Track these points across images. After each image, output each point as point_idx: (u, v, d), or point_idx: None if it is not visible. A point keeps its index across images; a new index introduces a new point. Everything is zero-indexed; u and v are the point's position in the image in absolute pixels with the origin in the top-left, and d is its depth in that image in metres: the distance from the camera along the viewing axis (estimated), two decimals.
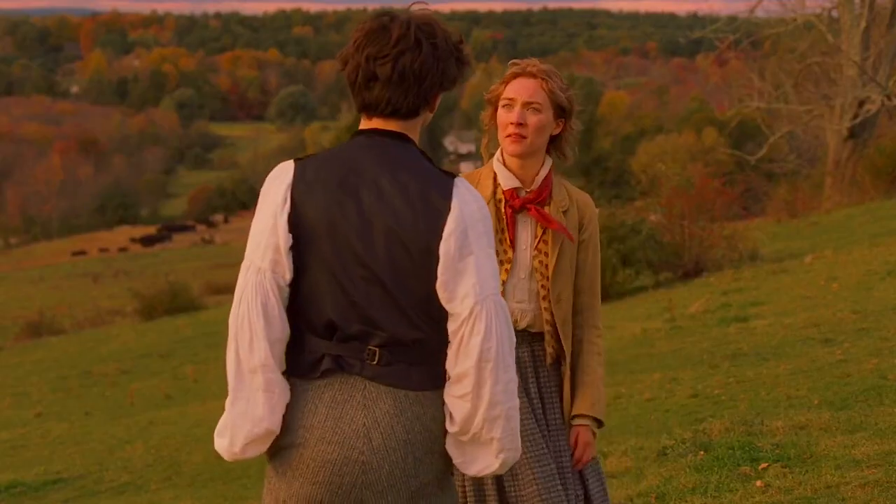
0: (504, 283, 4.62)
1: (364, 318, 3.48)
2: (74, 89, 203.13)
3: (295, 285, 3.55)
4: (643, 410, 10.22)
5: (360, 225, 3.47)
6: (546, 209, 4.66)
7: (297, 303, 3.56)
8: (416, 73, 3.50)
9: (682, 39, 60.92)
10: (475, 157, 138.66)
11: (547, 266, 4.63)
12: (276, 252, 3.51)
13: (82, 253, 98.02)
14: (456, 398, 3.47)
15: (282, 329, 3.53)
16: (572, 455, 4.63)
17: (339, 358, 3.51)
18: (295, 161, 3.62)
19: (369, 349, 3.49)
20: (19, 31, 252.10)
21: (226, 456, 3.66)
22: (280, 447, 3.58)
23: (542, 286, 4.64)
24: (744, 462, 7.20)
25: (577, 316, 4.74)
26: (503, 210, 4.67)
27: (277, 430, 3.55)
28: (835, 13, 35.75)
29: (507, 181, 4.69)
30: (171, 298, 37.99)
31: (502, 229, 4.66)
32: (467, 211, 3.48)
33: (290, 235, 3.51)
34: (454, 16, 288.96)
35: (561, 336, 4.64)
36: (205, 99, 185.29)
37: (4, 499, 12.89)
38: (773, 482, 6.76)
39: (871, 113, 33.64)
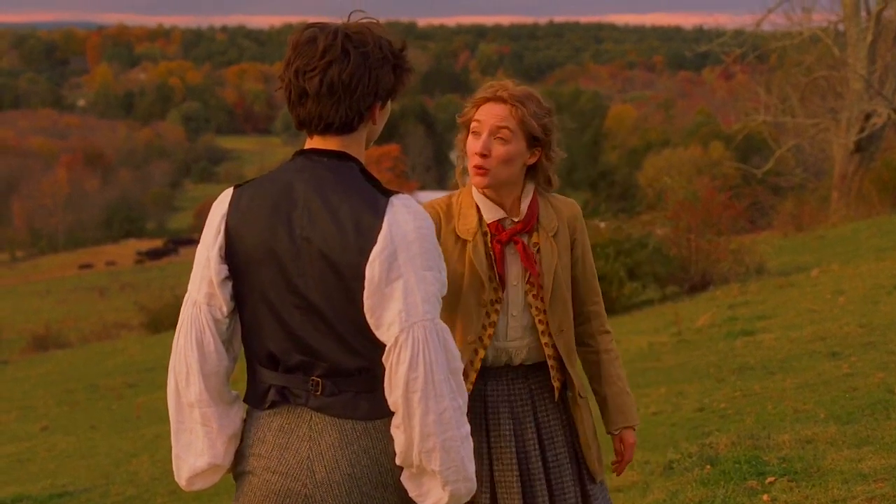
0: (494, 324, 4.35)
1: (303, 349, 3.40)
2: (81, 103, 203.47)
3: (241, 316, 3.52)
4: (649, 424, 10.19)
5: (292, 252, 3.37)
6: (534, 237, 4.37)
7: (244, 333, 3.53)
8: (346, 84, 3.35)
9: (688, 53, 60.88)
10: None
11: (542, 299, 4.36)
12: (210, 285, 3.47)
13: (89, 266, 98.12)
14: (394, 428, 3.33)
15: (218, 362, 3.50)
16: (592, 471, 4.48)
17: (285, 389, 3.45)
18: (234, 188, 3.54)
19: (312, 380, 3.40)
20: (26, 44, 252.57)
21: (181, 486, 3.66)
22: (237, 473, 3.58)
23: (540, 321, 4.37)
24: (750, 476, 7.19)
25: (587, 325, 4.54)
26: (490, 245, 4.37)
27: (222, 463, 3.55)
28: (841, 27, 35.81)
29: (490, 213, 4.39)
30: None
31: (491, 266, 4.35)
32: (398, 231, 3.29)
33: (224, 267, 3.46)
34: (460, 29, 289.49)
35: (567, 366, 4.41)
36: (211, 112, 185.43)
37: None
38: (780, 496, 6.75)
39: (877, 126, 33.68)
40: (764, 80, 38.26)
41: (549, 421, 4.43)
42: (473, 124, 4.33)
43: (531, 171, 4.41)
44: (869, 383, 9.86)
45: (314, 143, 3.48)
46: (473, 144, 4.31)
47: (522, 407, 4.41)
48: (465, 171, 4.44)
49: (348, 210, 3.33)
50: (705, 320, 16.72)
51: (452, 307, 4.32)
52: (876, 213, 32.26)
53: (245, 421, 3.59)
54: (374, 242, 3.29)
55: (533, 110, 4.30)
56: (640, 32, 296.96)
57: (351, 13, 3.49)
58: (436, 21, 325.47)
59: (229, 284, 3.48)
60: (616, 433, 4.55)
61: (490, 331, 4.35)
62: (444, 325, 3.33)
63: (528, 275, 4.35)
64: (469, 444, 3.35)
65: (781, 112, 36.36)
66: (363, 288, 3.30)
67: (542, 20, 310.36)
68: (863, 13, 34.83)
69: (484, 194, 4.40)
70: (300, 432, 3.42)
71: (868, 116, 33.86)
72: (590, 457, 4.46)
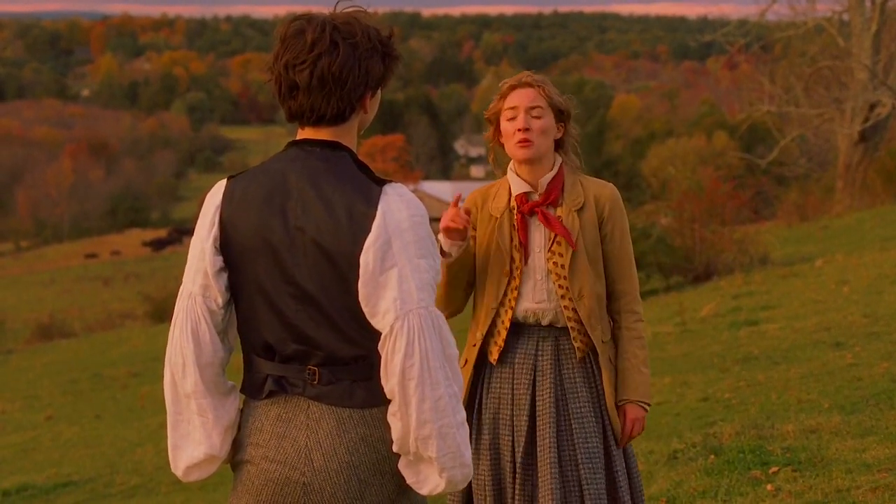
0: (518, 287, 4.83)
1: (300, 338, 3.42)
2: (85, 92, 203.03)
3: (236, 306, 3.54)
4: (653, 414, 10.20)
5: (287, 242, 3.39)
6: (557, 211, 4.83)
7: (240, 324, 3.55)
8: (336, 76, 3.37)
9: (692, 43, 60.77)
10: (485, 161, 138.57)
11: (562, 266, 4.78)
12: (205, 277, 3.48)
13: (93, 256, 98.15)
14: (391, 416, 3.36)
15: (213, 353, 3.52)
16: (616, 433, 4.88)
17: (282, 378, 3.47)
18: (227, 179, 3.56)
19: (309, 369, 3.42)
20: (30, 34, 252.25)
21: (178, 477, 3.69)
22: (235, 463, 3.59)
23: (560, 285, 4.79)
24: (754, 466, 7.20)
25: (615, 303, 4.94)
26: (515, 216, 4.85)
27: (218, 454, 3.57)
28: (845, 17, 35.73)
29: (517, 187, 4.89)
30: None
31: (511, 237, 4.87)
32: (392, 220, 3.32)
33: (219, 258, 3.48)
34: (464, 19, 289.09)
35: (588, 331, 4.80)
36: (215, 102, 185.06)
37: (15, 502, 12.91)
38: (784, 486, 6.76)
39: (881, 116, 33.61)
40: (768, 70, 38.15)
41: (574, 378, 4.86)
42: (507, 111, 4.86)
43: (559, 147, 4.95)
44: (873, 373, 9.86)
45: (306, 133, 3.50)
46: (513, 124, 4.85)
47: (545, 362, 4.86)
48: (497, 160, 5.06)
49: (341, 199, 3.36)
50: (709, 310, 16.72)
51: (481, 277, 4.94)
52: (880, 203, 32.25)
53: (242, 411, 3.61)
54: (367, 231, 3.32)
55: (553, 89, 4.89)
56: (644, 22, 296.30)
57: (337, 2, 3.51)
58: (440, 11, 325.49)
59: (224, 275, 3.50)
60: (620, 405, 4.89)
61: (514, 293, 4.86)
62: (439, 313, 3.36)
63: (549, 243, 4.83)
64: (465, 430, 3.38)
65: (785, 102, 36.27)
66: (358, 277, 3.32)
67: (546, 10, 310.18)
68: (867, 3, 34.75)
69: (518, 173, 4.91)
70: (298, 421, 3.44)
71: (872, 106, 33.80)
72: (614, 419, 4.86)
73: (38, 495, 12.99)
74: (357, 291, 3.33)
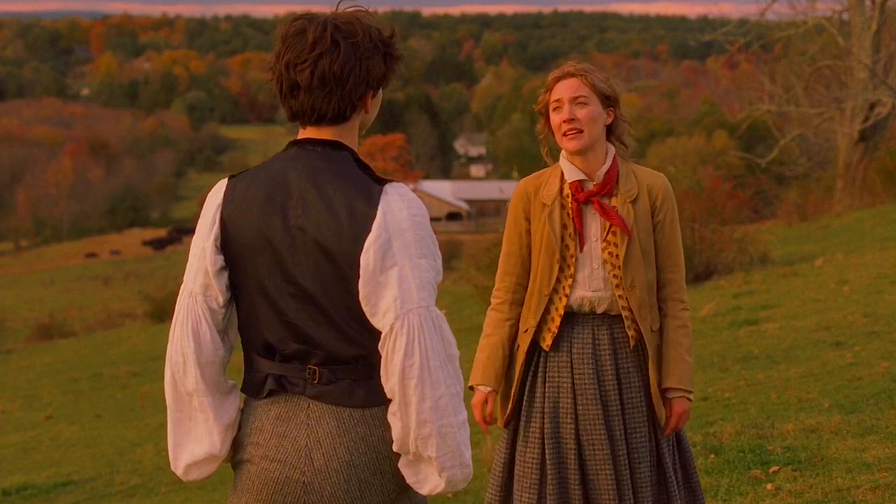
0: (573, 275, 4.89)
1: (300, 337, 3.42)
2: (85, 92, 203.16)
3: (237, 306, 3.54)
4: None
5: (287, 241, 3.39)
6: (613, 200, 4.89)
7: (240, 323, 3.55)
8: (337, 75, 3.37)
9: (692, 42, 60.70)
10: (486, 160, 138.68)
11: (617, 256, 4.85)
12: (206, 276, 3.48)
13: (93, 255, 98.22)
14: (391, 416, 3.36)
15: (214, 352, 3.52)
16: (663, 425, 5.00)
17: (283, 378, 3.47)
18: (228, 179, 3.56)
19: (309, 368, 3.42)
20: (30, 33, 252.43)
21: (178, 475, 3.69)
22: (235, 462, 3.59)
23: (614, 275, 4.86)
24: (754, 465, 7.20)
25: (662, 291, 5.02)
26: (569, 204, 4.90)
27: (219, 453, 3.57)
28: (845, 16, 35.66)
29: (571, 174, 4.94)
30: None
31: (564, 225, 4.92)
32: (393, 219, 3.32)
33: (220, 258, 3.48)
34: (464, 18, 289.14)
35: (638, 320, 4.88)
36: (215, 102, 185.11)
37: (15, 501, 12.90)
38: (784, 485, 6.76)
39: (881, 116, 33.55)
40: (768, 70, 38.10)
41: (628, 367, 4.97)
42: (553, 103, 4.94)
43: (611, 134, 5.01)
44: (873, 373, 9.85)
45: (308, 132, 3.49)
46: (559, 117, 4.92)
47: (604, 351, 4.96)
48: (549, 151, 5.08)
49: (342, 199, 3.36)
50: (709, 310, 16.69)
51: (535, 266, 5.00)
52: (880, 203, 32.19)
53: (243, 410, 3.61)
54: (368, 230, 3.31)
55: (597, 76, 4.96)
56: (644, 21, 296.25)
57: (339, 2, 3.51)
58: (440, 10, 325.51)
59: (225, 275, 3.50)
60: (667, 397, 5.00)
61: (569, 281, 4.95)
62: (440, 312, 3.35)
63: (605, 232, 4.90)
64: (466, 430, 3.37)
65: (786, 101, 36.22)
66: (358, 276, 3.32)
67: (547, 9, 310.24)
68: (867, 2, 34.73)
69: (572, 162, 4.97)
70: (298, 420, 3.44)
71: (872, 106, 33.75)
72: (658, 408, 4.97)
73: (38, 495, 12.98)
74: (357, 291, 3.33)
